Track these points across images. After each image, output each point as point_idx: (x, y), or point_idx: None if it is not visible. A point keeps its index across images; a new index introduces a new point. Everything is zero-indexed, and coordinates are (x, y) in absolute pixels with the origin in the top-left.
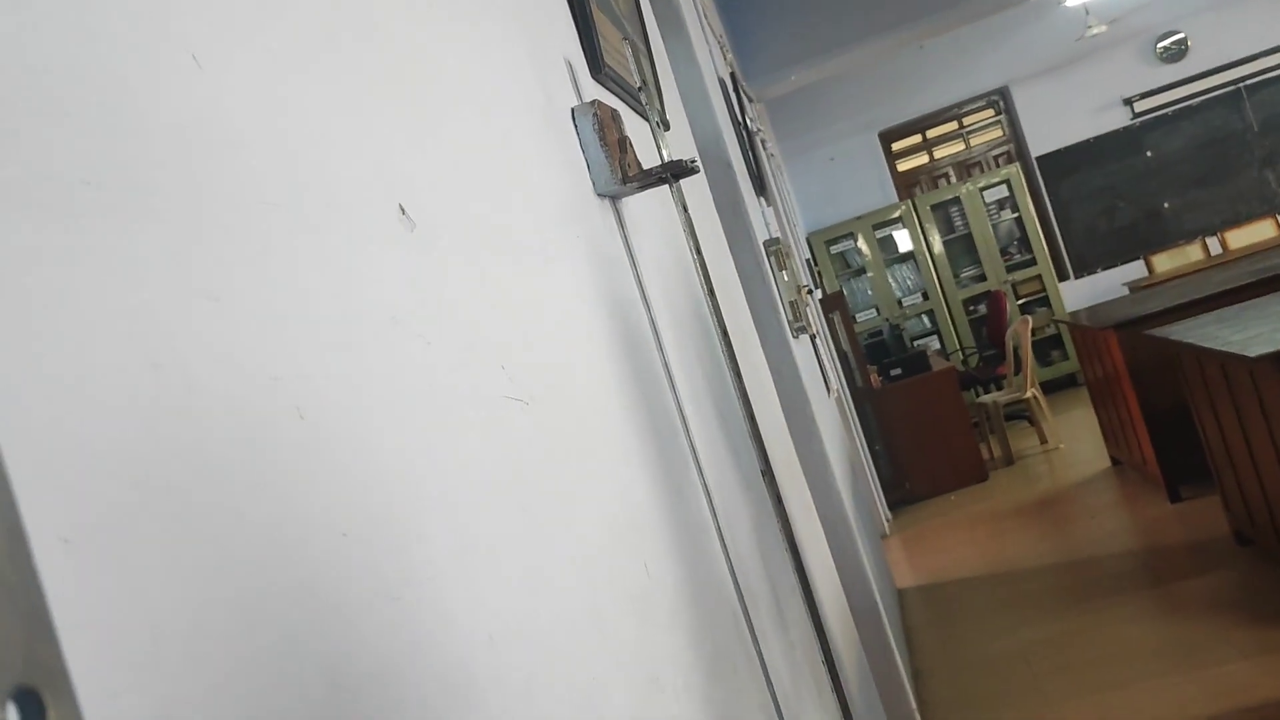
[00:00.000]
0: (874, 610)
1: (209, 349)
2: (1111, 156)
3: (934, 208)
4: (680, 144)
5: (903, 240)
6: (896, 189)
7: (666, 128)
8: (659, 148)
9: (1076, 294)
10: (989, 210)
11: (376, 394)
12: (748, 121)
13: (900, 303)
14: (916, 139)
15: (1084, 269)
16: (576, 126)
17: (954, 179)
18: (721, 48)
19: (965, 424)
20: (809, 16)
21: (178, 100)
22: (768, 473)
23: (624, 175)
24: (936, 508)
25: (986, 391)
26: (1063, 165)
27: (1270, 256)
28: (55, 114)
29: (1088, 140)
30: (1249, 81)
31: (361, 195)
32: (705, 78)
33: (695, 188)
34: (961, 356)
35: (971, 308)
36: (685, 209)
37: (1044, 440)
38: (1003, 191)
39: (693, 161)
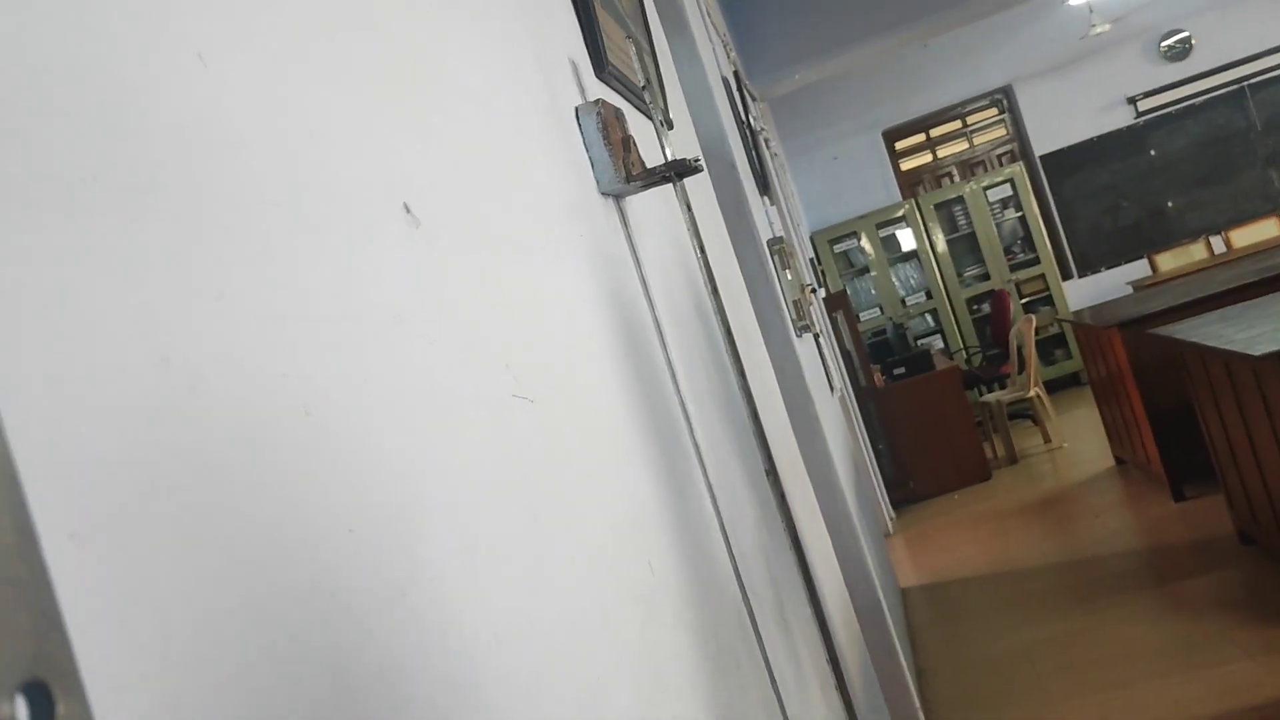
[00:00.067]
0: (878, 609)
1: (213, 347)
2: (1115, 155)
3: (937, 207)
4: (684, 143)
5: (906, 239)
6: (900, 188)
7: (670, 127)
8: (662, 147)
9: (1080, 293)
10: (992, 209)
11: (378, 393)
12: (751, 120)
13: (904, 302)
14: (920, 138)
15: (1088, 268)
16: (580, 125)
17: (957, 178)
18: (725, 46)
19: (969, 423)
20: (812, 15)
21: (178, 99)
22: (771, 471)
23: (628, 174)
24: (940, 507)
25: (990, 391)
26: (1066, 164)
27: (1274, 255)
28: (55, 114)
29: (1091, 139)
30: (1253, 80)
31: (362, 195)
32: (709, 76)
33: (699, 187)
34: (965, 355)
35: (975, 307)
36: (689, 208)
37: (1047, 439)
38: (1006, 190)
39: (696, 160)
